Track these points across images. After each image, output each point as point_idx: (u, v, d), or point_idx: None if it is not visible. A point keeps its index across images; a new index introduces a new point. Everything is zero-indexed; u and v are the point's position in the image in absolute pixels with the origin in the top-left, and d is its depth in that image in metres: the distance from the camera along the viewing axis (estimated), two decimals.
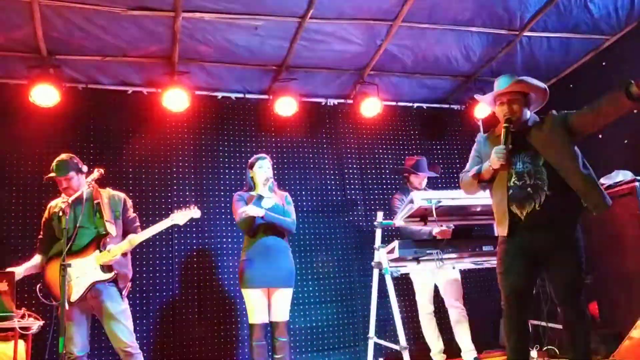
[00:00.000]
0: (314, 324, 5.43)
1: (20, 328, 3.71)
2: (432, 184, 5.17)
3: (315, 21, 4.71)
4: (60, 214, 3.31)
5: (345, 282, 5.63)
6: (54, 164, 3.80)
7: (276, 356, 4.07)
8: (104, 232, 3.72)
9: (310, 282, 5.48)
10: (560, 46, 5.43)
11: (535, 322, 4.62)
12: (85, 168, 3.84)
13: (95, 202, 3.80)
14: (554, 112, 3.32)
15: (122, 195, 3.98)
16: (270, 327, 4.14)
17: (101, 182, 3.90)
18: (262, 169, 4.28)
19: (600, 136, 5.34)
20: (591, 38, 5.34)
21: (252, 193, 4.27)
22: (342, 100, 6.04)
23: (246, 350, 5.10)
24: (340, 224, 5.79)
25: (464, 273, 4.95)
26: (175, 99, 5.05)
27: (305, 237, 5.58)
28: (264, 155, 4.39)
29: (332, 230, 5.74)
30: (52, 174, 3.77)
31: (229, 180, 5.47)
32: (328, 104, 6.02)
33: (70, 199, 3.52)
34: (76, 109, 5.06)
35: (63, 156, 3.84)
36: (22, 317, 3.80)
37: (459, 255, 4.32)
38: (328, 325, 5.47)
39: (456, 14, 4.83)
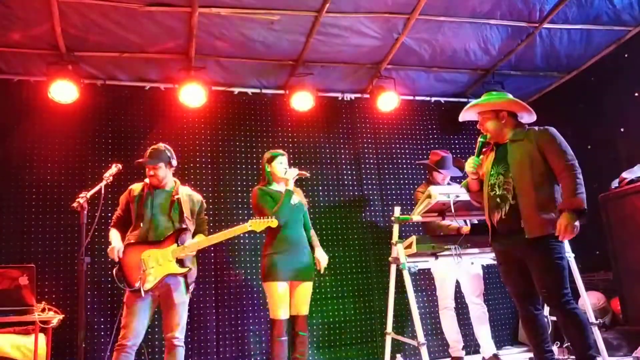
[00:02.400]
0: (331, 320, 5.41)
1: (41, 322, 3.77)
2: (453, 178, 5.11)
3: (331, 15, 4.68)
4: (79, 209, 3.34)
5: (363, 278, 5.61)
6: (149, 150, 3.89)
7: (296, 351, 4.04)
8: (184, 227, 3.80)
9: (327, 278, 5.45)
10: (581, 38, 5.32)
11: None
12: (175, 162, 3.95)
13: (176, 197, 3.88)
14: (535, 128, 3.47)
15: (200, 197, 4.07)
16: (290, 322, 4.12)
17: (120, 178, 3.94)
18: (283, 165, 4.27)
19: (622, 130, 5.25)
20: (613, 29, 5.22)
21: (273, 188, 4.26)
22: (358, 95, 6.01)
23: (263, 345, 5.11)
24: (357, 219, 5.77)
25: (484, 269, 4.89)
26: (192, 95, 5.07)
27: (322, 233, 5.56)
28: (283, 151, 4.38)
29: (349, 225, 5.71)
30: (143, 160, 3.85)
31: (246, 175, 5.48)
32: (345, 98, 5.99)
33: (97, 187, 3.56)
34: (94, 105, 5.12)
35: (160, 145, 3.94)
36: (43, 310, 3.85)
37: (477, 251, 4.27)
38: (345, 321, 5.45)
39: (474, 6, 4.77)
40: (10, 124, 4.91)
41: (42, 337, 3.88)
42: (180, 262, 3.71)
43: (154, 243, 3.71)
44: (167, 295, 3.72)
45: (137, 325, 3.62)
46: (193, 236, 3.88)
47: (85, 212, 3.37)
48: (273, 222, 3.84)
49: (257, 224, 3.82)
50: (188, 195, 3.98)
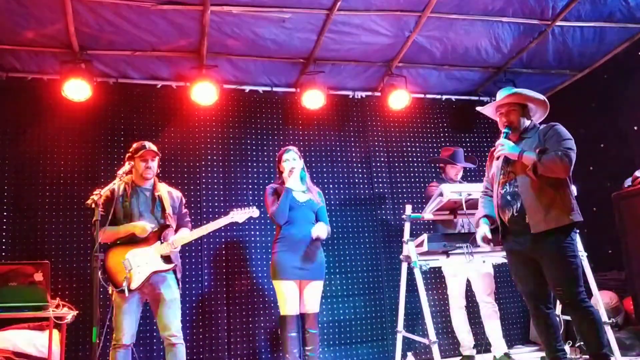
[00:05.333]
0: (342, 318, 5.42)
1: (55, 318, 3.80)
2: (464, 176, 5.10)
3: (343, 13, 4.68)
4: (93, 206, 3.36)
5: (373, 276, 5.61)
6: (147, 143, 3.92)
7: (307, 348, 4.08)
8: (167, 224, 3.82)
9: (338, 276, 5.47)
10: (594, 36, 5.28)
11: (567, 318, 4.53)
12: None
13: (157, 194, 3.89)
14: (542, 126, 3.47)
15: (179, 193, 4.09)
16: (300, 319, 4.15)
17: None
18: (288, 162, 4.30)
19: (635, 128, 5.21)
20: (626, 27, 5.17)
21: (284, 186, 4.28)
22: (370, 93, 6.01)
23: (274, 342, 5.13)
24: (368, 218, 5.77)
25: (495, 268, 4.88)
26: (204, 93, 5.09)
27: (333, 231, 5.53)
28: (289, 147, 4.41)
29: (360, 223, 5.72)
30: (152, 148, 3.87)
31: (257, 173, 5.49)
32: (356, 96, 5.99)
33: (106, 189, 3.59)
34: (107, 103, 5.15)
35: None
36: (57, 307, 3.89)
37: (489, 249, 4.25)
38: (356, 319, 5.46)
39: (486, 3, 4.75)
40: (24, 122, 4.95)
41: (56, 333, 3.91)
42: (166, 258, 3.73)
43: (137, 242, 3.71)
44: (156, 295, 3.73)
45: (130, 325, 3.67)
46: (176, 231, 3.89)
47: (100, 209, 3.40)
48: (254, 212, 3.93)
49: (239, 215, 3.91)
50: (168, 192, 3.99)
